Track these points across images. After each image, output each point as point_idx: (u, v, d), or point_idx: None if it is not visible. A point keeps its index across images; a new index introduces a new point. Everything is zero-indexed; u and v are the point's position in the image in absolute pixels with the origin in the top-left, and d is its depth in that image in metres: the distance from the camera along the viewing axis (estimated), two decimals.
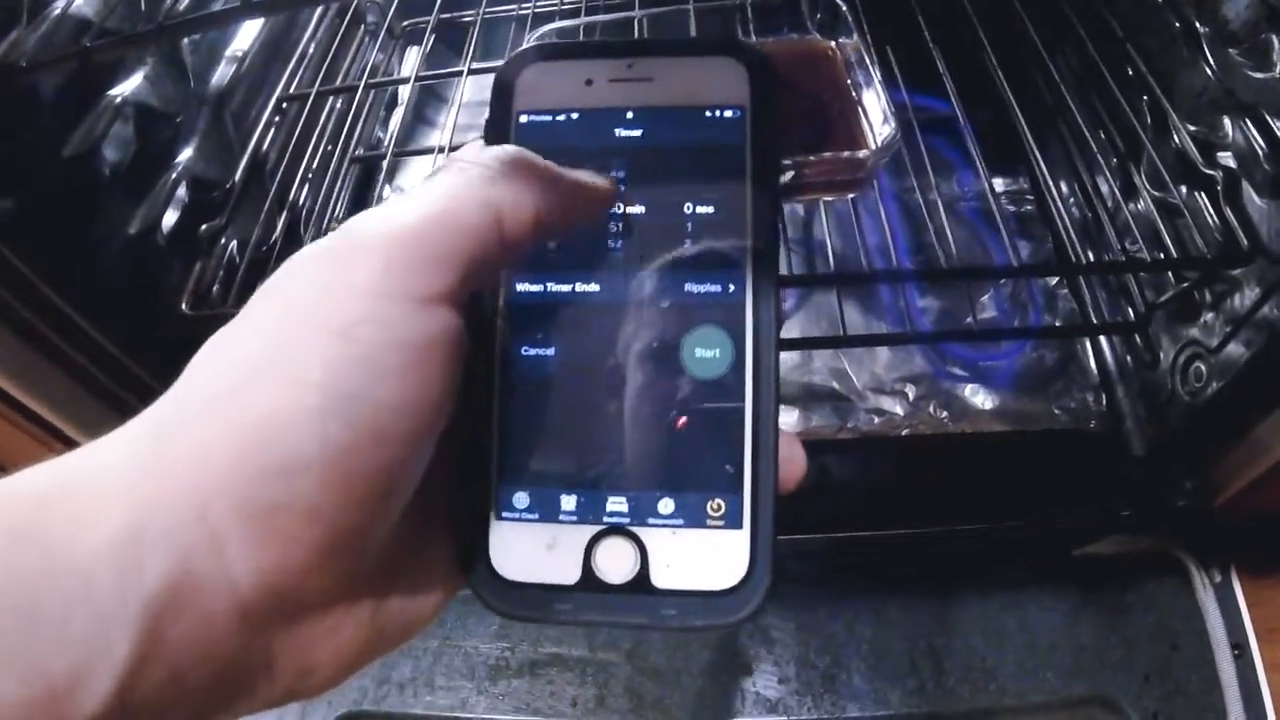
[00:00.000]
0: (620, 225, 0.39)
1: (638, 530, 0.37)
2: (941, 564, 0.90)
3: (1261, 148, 0.72)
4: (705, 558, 0.36)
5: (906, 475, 0.91)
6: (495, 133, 0.40)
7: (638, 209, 0.39)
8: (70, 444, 0.75)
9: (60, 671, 0.25)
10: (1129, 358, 0.93)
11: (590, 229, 0.38)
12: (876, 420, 0.92)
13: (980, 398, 0.93)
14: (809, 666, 0.83)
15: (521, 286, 0.38)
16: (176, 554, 0.26)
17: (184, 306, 0.79)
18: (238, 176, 0.88)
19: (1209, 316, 0.79)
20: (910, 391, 0.94)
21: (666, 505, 0.37)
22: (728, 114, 0.39)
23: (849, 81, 0.77)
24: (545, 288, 0.38)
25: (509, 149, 0.34)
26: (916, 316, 0.98)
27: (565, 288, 0.38)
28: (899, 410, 0.93)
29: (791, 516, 0.87)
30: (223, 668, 0.28)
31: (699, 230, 0.38)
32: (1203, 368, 0.80)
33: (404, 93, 1.12)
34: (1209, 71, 0.78)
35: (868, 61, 0.76)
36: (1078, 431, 0.92)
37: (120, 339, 0.74)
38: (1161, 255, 0.79)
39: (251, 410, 0.28)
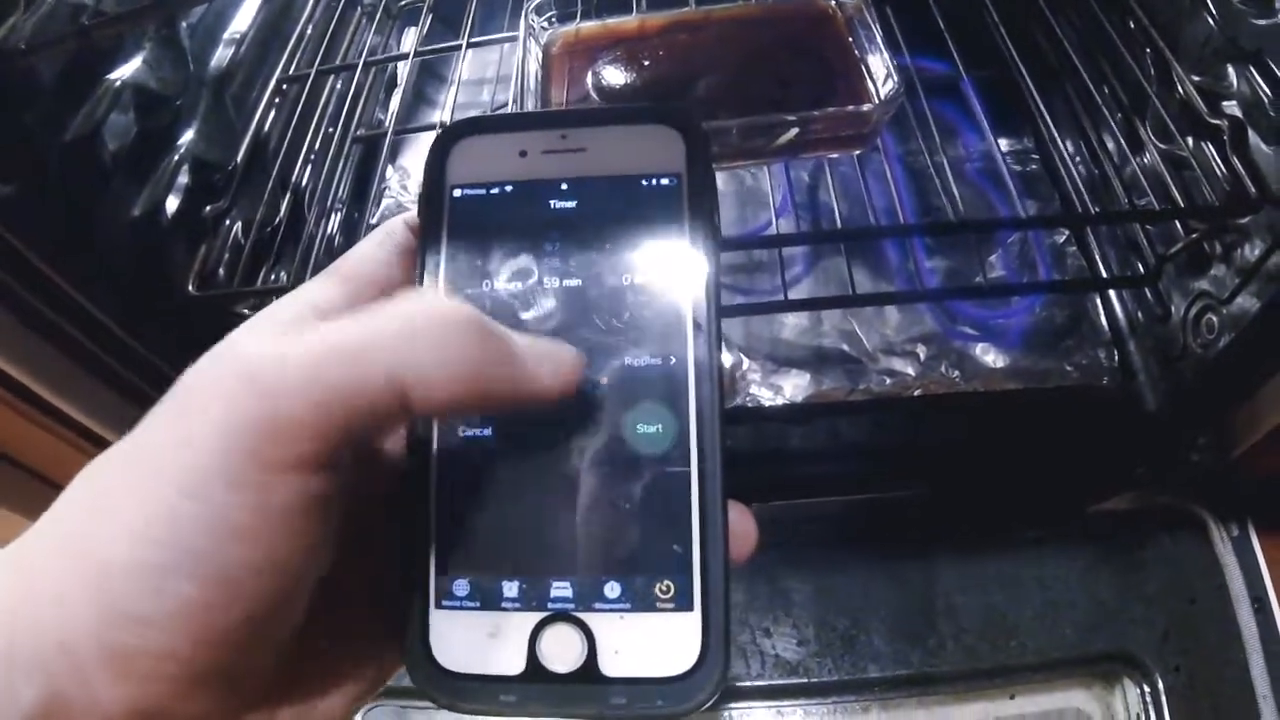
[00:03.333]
0: (557, 300, 0.38)
1: (584, 616, 0.35)
2: (957, 524, 0.89)
3: (1266, 94, 0.71)
4: (655, 642, 0.35)
5: (919, 436, 0.91)
6: (428, 207, 0.39)
7: (574, 282, 0.38)
8: (73, 427, 0.75)
9: None
10: (1140, 313, 0.93)
11: (525, 308, 0.37)
12: (888, 381, 0.92)
13: (991, 356, 0.93)
14: (828, 628, 0.83)
15: None
16: (45, 679, 0.27)
17: (190, 287, 0.79)
18: (240, 158, 0.88)
19: (1219, 269, 0.79)
20: (921, 352, 0.93)
21: (613, 589, 0.36)
22: (664, 181, 0.38)
23: (850, 40, 0.77)
24: None
25: (445, 307, 0.31)
26: (925, 277, 0.97)
27: None
28: (910, 371, 0.92)
29: (808, 480, 0.88)
30: None
31: (637, 302, 0.37)
32: (1214, 319, 0.79)
33: (403, 72, 1.12)
34: (1211, 20, 0.77)
35: (869, 20, 0.76)
36: (1090, 388, 0.91)
37: (126, 321, 0.74)
38: (1170, 206, 0.79)
39: (96, 558, 0.28)
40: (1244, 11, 0.74)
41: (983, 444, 0.90)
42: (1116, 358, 0.93)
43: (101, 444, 0.77)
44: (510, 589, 0.36)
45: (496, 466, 0.36)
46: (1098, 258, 0.98)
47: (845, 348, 0.93)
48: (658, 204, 0.38)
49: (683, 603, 0.35)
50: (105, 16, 0.72)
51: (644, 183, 0.39)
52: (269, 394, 0.28)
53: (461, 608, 0.36)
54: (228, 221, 0.85)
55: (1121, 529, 0.88)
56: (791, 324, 0.95)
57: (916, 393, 0.91)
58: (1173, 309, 0.85)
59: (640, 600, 0.35)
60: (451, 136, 0.40)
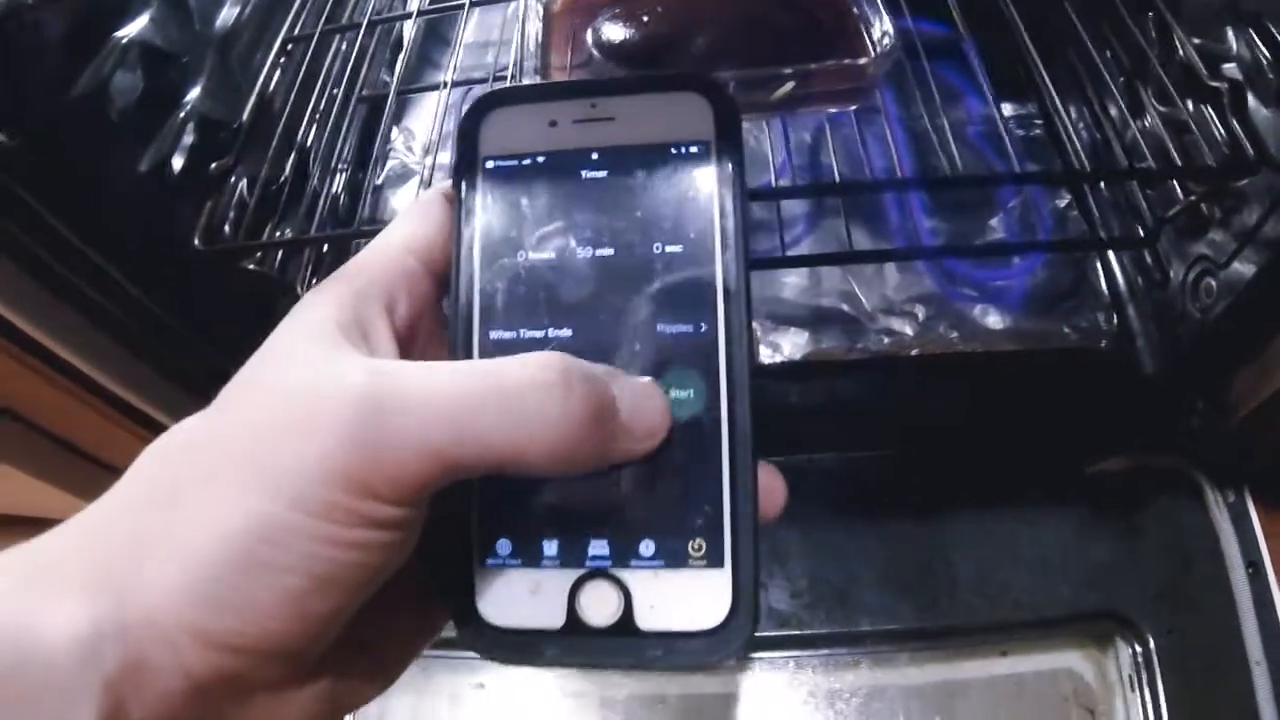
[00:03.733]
0: (590, 268, 0.39)
1: (620, 573, 0.37)
2: (953, 481, 0.90)
3: (1265, 57, 0.71)
4: (688, 597, 0.36)
5: (917, 395, 0.92)
6: (462, 178, 0.40)
7: (607, 250, 0.39)
8: (79, 379, 0.76)
9: None
10: (1139, 277, 0.93)
11: (559, 276, 0.39)
12: (886, 341, 0.92)
13: (991, 318, 0.93)
14: (821, 581, 0.84)
15: (493, 335, 0.39)
16: (132, 646, 0.29)
17: (196, 241, 0.80)
18: (245, 116, 0.89)
19: (1218, 233, 0.79)
20: (920, 312, 0.93)
21: (648, 547, 0.37)
22: (693, 149, 0.39)
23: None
24: (516, 335, 0.39)
25: (554, 379, 0.33)
26: (925, 237, 0.98)
27: (537, 333, 0.38)
28: (909, 331, 0.92)
29: (805, 436, 0.89)
30: None
31: (669, 269, 0.38)
32: (1213, 283, 0.80)
33: (407, 33, 1.12)
34: None
35: None
36: (1088, 351, 0.92)
37: (132, 274, 0.75)
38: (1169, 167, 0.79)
39: (191, 548, 0.30)
40: None
41: (981, 404, 0.91)
42: (1115, 321, 0.93)
43: (104, 396, 0.79)
44: (550, 547, 0.37)
45: None
46: (1098, 221, 0.98)
47: (844, 307, 0.94)
48: (688, 170, 0.39)
49: (714, 559, 0.37)
50: None
51: (674, 150, 0.39)
52: (382, 440, 0.30)
53: (505, 566, 0.37)
54: (233, 179, 0.86)
55: (1118, 491, 0.89)
56: (791, 283, 0.96)
57: (914, 352, 0.91)
58: (1171, 273, 0.86)
59: (674, 557, 0.37)
60: (483, 107, 0.41)
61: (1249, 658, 0.83)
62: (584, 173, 0.40)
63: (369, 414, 0.30)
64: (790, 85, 0.71)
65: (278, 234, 0.87)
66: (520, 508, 0.37)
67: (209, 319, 0.84)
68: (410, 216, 0.40)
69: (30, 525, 1.08)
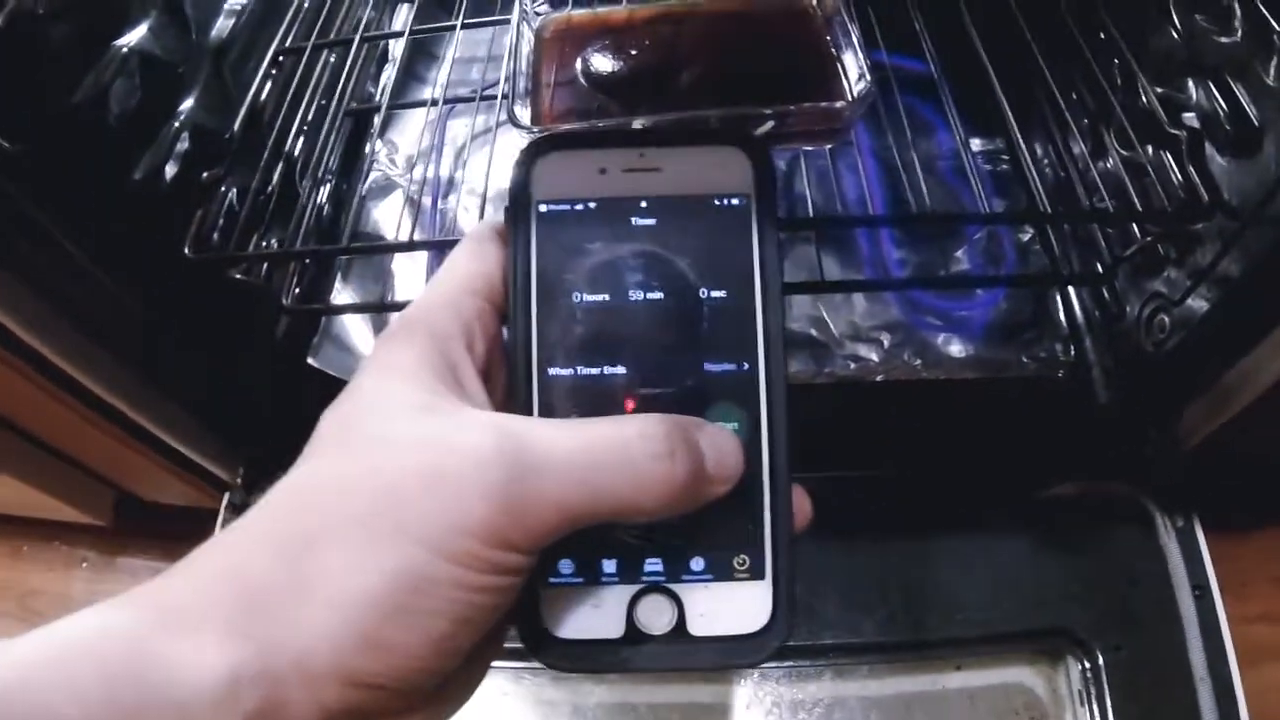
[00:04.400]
0: (641, 309, 0.42)
1: (674, 587, 0.41)
2: (912, 503, 0.93)
3: (1223, 109, 0.75)
4: (734, 606, 0.41)
5: (881, 419, 0.95)
6: (515, 221, 0.43)
7: (656, 295, 0.42)
8: (68, 386, 0.77)
9: None
10: (1097, 311, 0.97)
11: (611, 318, 0.42)
12: (852, 366, 0.96)
13: (953, 346, 0.97)
14: None
15: (551, 373, 0.41)
16: (273, 688, 0.31)
17: (186, 250, 0.81)
18: (236, 127, 0.90)
19: (1173, 271, 0.82)
20: (885, 339, 0.97)
21: (698, 563, 0.41)
22: (734, 201, 0.42)
23: (828, 38, 0.80)
24: (574, 373, 0.42)
25: (658, 445, 0.36)
26: (893, 268, 1.01)
27: (592, 372, 0.41)
28: (874, 357, 0.96)
29: None
30: None
31: (714, 313, 0.41)
32: (1166, 320, 0.83)
33: (395, 50, 1.14)
34: (1175, 34, 0.81)
35: (846, 20, 0.79)
36: (1045, 380, 0.96)
37: (124, 281, 0.77)
38: (1128, 208, 0.82)
39: (341, 591, 0.33)
40: (1207, 29, 0.76)
41: (941, 429, 0.94)
42: (1073, 353, 0.97)
43: (90, 401, 0.80)
44: (609, 566, 0.41)
45: None
46: (1059, 257, 1.02)
47: (813, 332, 0.97)
48: (730, 221, 0.42)
49: (757, 573, 0.41)
50: None
51: (717, 201, 0.42)
52: (525, 501, 0.34)
53: (568, 583, 0.41)
54: (223, 188, 0.88)
55: (1070, 514, 0.91)
56: None
57: (879, 378, 0.94)
58: (1128, 309, 0.89)
59: (721, 571, 0.41)
60: (536, 152, 0.44)
61: (1194, 675, 0.85)
62: (633, 219, 0.42)
63: (513, 480, 0.34)
64: (770, 124, 0.73)
65: (264, 244, 0.89)
66: (582, 532, 0.38)
67: (199, 327, 0.86)
68: (467, 256, 0.43)
69: (21, 525, 1.09)
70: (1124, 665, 0.86)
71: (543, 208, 0.43)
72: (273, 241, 0.90)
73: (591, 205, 0.43)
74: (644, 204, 0.43)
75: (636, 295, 0.42)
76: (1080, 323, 0.98)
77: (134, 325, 0.80)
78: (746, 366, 0.41)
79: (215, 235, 0.85)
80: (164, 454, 0.90)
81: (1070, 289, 1.00)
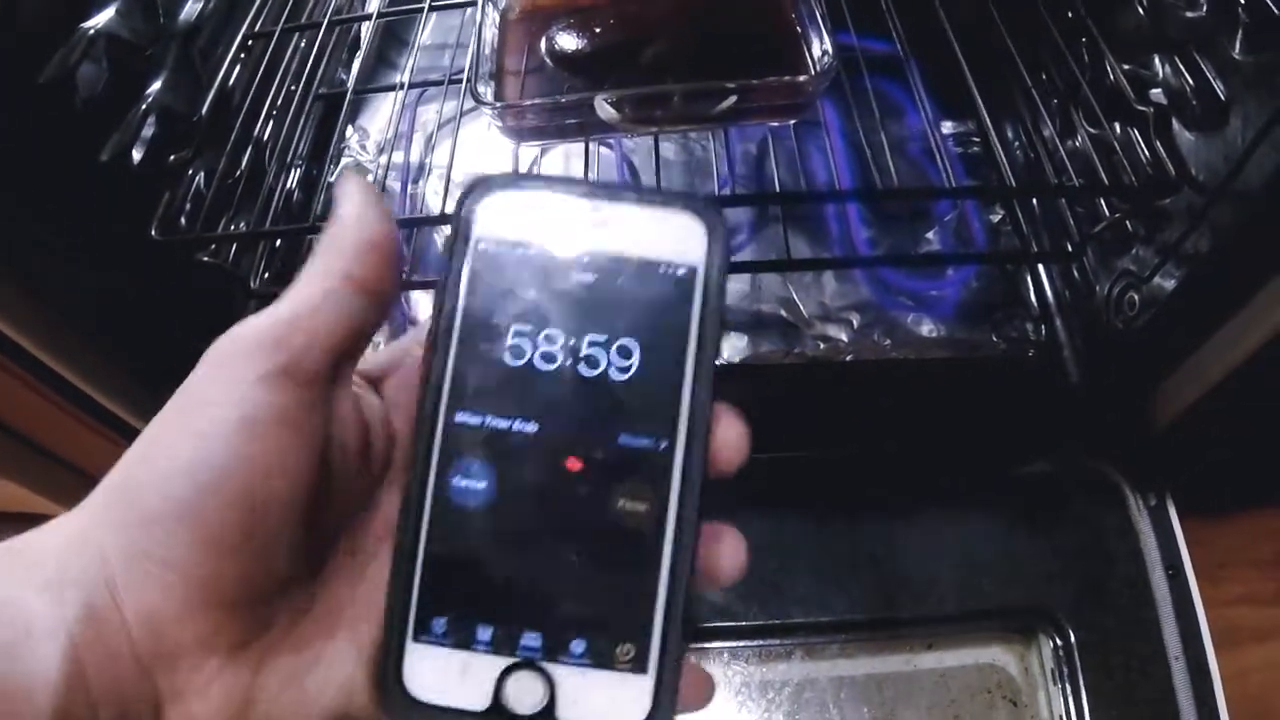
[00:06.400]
0: (562, 368, 0.39)
1: (548, 666, 0.38)
2: (884, 481, 0.93)
3: (1189, 84, 0.75)
4: (611, 697, 0.38)
5: (851, 398, 0.95)
6: (451, 253, 0.40)
7: (583, 353, 0.40)
8: (36, 371, 0.77)
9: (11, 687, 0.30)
10: (1067, 290, 0.97)
11: (534, 370, 0.40)
12: (822, 346, 0.96)
13: (924, 326, 0.97)
14: (754, 575, 0.86)
15: (459, 418, 0.39)
16: (86, 589, 0.32)
17: (153, 232, 0.81)
18: (204, 110, 0.90)
19: (1141, 250, 0.83)
20: (855, 319, 0.97)
21: (578, 646, 0.38)
22: (681, 271, 0.40)
23: (793, 16, 0.81)
24: (482, 421, 0.39)
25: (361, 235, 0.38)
26: (862, 247, 1.01)
27: (502, 424, 0.39)
28: (844, 337, 0.96)
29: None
30: (124, 710, 0.33)
31: (640, 383, 0.39)
32: (1135, 298, 0.83)
33: (365, 34, 1.14)
34: (1141, 10, 0.81)
35: None
36: (1016, 359, 0.96)
37: (92, 263, 0.77)
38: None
39: (130, 476, 0.35)
40: (1173, 4, 0.77)
41: (912, 408, 0.94)
42: (1044, 332, 0.97)
43: (59, 387, 0.80)
44: (484, 633, 0.38)
45: (486, 519, 0.38)
46: (1029, 237, 1.02)
47: (783, 313, 0.97)
48: (673, 291, 0.40)
49: (640, 666, 0.38)
50: None
51: (663, 268, 0.40)
52: (256, 331, 0.36)
53: (437, 644, 0.38)
54: (191, 171, 0.88)
55: (1043, 493, 0.92)
56: (733, 289, 0.99)
57: (849, 358, 0.95)
58: (1097, 287, 0.89)
59: (601, 658, 0.38)
60: (485, 188, 0.41)
61: (1168, 654, 0.86)
62: (573, 274, 0.40)
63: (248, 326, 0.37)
64: (733, 99, 0.73)
65: (231, 227, 0.89)
66: (461, 591, 0.38)
67: (169, 312, 0.86)
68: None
69: (14, 521, 1.09)
70: (1097, 644, 0.86)
71: (481, 245, 0.41)
72: (240, 225, 0.90)
73: (532, 251, 0.40)
74: (587, 259, 0.40)
75: (562, 352, 0.40)
76: (1051, 302, 0.99)
77: (100, 309, 0.80)
78: (664, 445, 0.39)
79: (183, 219, 0.85)
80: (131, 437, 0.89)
81: (1040, 268, 1.01)
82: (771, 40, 0.79)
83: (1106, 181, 0.81)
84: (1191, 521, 0.92)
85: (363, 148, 1.13)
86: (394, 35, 1.22)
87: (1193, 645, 0.86)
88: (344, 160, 1.11)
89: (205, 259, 0.86)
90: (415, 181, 1.09)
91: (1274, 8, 0.65)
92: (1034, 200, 1.03)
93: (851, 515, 0.90)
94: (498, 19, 0.83)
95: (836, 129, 0.99)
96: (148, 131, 0.85)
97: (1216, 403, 0.81)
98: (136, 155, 0.83)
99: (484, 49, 0.80)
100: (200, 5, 0.93)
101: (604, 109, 0.73)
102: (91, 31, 0.79)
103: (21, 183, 0.70)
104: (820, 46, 0.76)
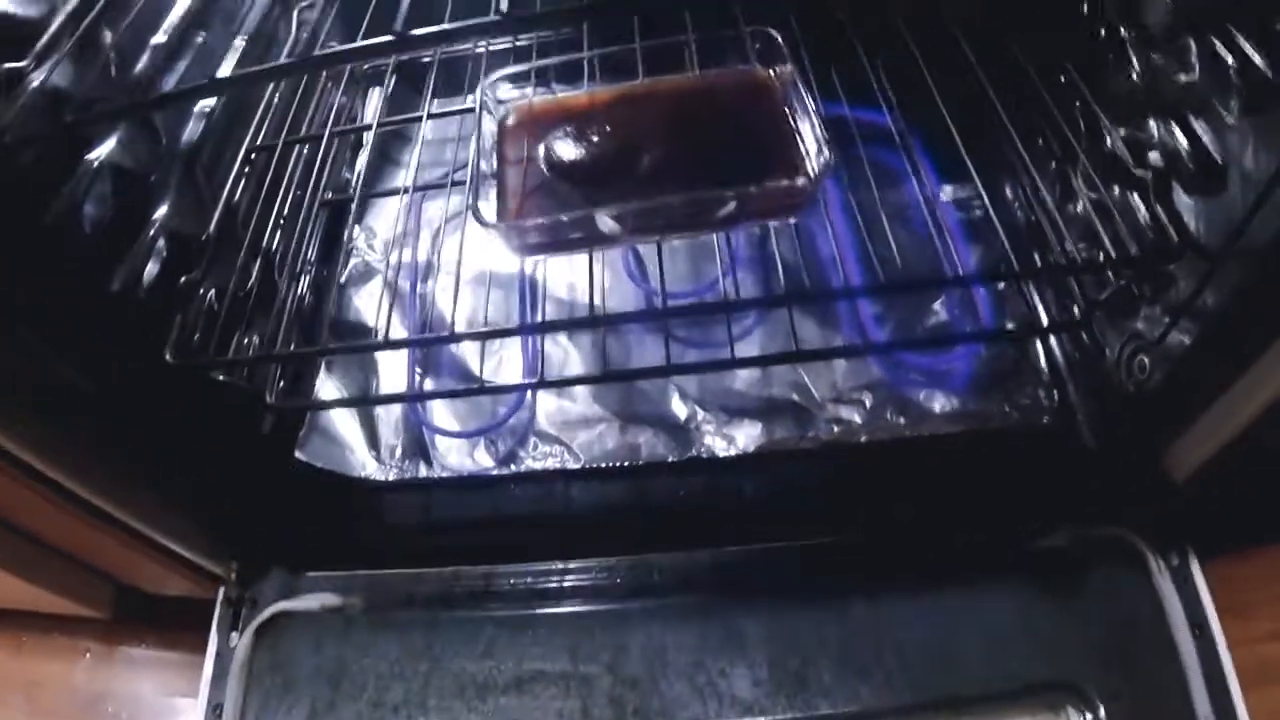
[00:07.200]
0: None
1: None
2: (902, 562, 0.93)
3: (1185, 147, 0.75)
4: None
5: (867, 480, 0.95)
6: None
7: None
8: (66, 493, 0.79)
9: None
10: (1078, 354, 0.98)
11: None
12: (836, 429, 0.97)
13: (936, 401, 0.98)
14: (780, 668, 0.86)
15: None
16: None
17: (168, 355, 0.81)
18: (212, 228, 0.91)
19: (1149, 310, 0.83)
20: (867, 399, 0.98)
21: None
22: None
23: (786, 109, 0.82)
24: None
25: None
26: (870, 326, 1.02)
27: None
28: (857, 418, 0.97)
29: (760, 526, 0.92)
30: None
31: None
32: (1146, 360, 0.84)
33: (368, 135, 1.16)
34: (1134, 76, 0.82)
35: (802, 88, 0.80)
36: (1031, 428, 0.96)
37: (107, 388, 0.77)
38: (1100, 254, 0.83)
39: None
40: (1165, 68, 0.77)
41: (928, 485, 0.94)
42: (1056, 397, 0.98)
43: (84, 505, 0.81)
44: None
45: None
46: (1036, 301, 1.03)
47: (795, 397, 0.99)
48: None
49: None
50: (88, 110, 0.75)
51: None
52: None
53: None
54: (202, 290, 0.88)
55: (1061, 562, 0.91)
56: (744, 376, 1.01)
57: (863, 439, 0.95)
58: (1107, 350, 0.90)
59: None
60: None
61: (1198, 714, 0.85)
62: None
63: None
64: (733, 205, 0.74)
65: (245, 341, 0.90)
66: None
67: (184, 428, 0.87)
68: None
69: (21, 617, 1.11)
70: (1126, 712, 0.85)
71: None
72: (254, 338, 0.91)
73: None
74: None
75: None
76: (1062, 367, 0.99)
77: (119, 432, 0.81)
78: None
79: (196, 337, 0.86)
80: (159, 551, 0.91)
81: (1050, 334, 1.01)
82: (767, 138, 0.80)
83: (1110, 248, 0.81)
84: (1214, 561, 0.91)
85: (370, 247, 1.14)
86: (396, 132, 1.23)
87: (1222, 703, 0.85)
88: (352, 261, 1.12)
89: (220, 377, 0.87)
90: (424, 280, 1.10)
91: (1267, 71, 0.66)
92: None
93: (871, 601, 0.89)
94: (495, 129, 0.85)
95: (837, 204, 0.99)
96: (156, 256, 0.86)
97: (1232, 457, 0.81)
98: (147, 280, 0.84)
99: (482, 166, 0.81)
100: (201, 124, 0.94)
101: (606, 223, 0.74)
102: (95, 163, 0.79)
103: (35, 317, 0.70)
104: (815, 144, 0.77)
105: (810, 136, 0.78)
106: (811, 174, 0.76)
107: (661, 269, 0.84)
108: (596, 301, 0.93)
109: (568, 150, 0.80)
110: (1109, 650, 0.88)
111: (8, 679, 1.13)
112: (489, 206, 0.77)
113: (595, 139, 0.81)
